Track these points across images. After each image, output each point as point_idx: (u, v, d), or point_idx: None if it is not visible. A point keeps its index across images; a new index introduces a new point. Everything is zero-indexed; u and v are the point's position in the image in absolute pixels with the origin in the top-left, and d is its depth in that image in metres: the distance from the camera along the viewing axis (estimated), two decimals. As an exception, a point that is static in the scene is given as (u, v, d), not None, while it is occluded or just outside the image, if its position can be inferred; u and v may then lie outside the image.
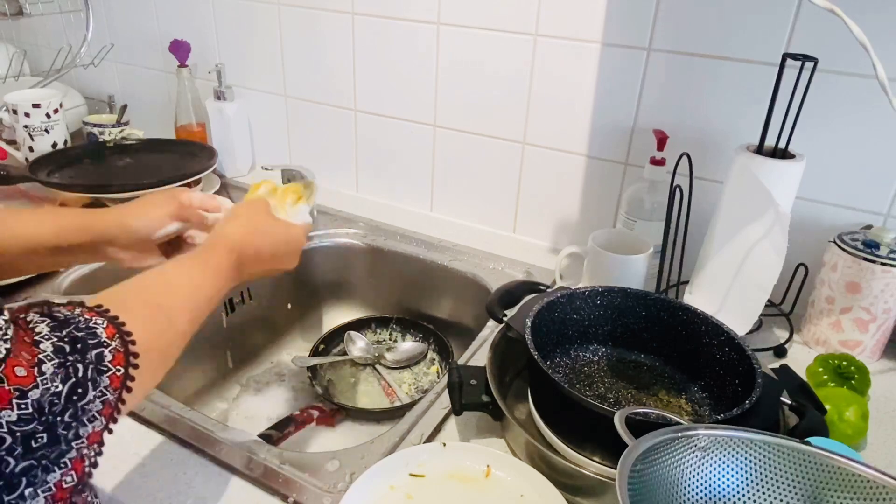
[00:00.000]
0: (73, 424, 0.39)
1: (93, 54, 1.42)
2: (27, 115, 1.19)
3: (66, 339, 0.40)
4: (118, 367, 0.42)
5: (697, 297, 0.84)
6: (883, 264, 0.77)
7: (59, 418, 0.38)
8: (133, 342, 0.44)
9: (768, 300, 0.78)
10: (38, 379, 0.37)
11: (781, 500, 0.49)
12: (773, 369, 0.69)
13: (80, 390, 0.39)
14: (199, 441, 0.66)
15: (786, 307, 0.88)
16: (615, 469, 0.43)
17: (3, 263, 0.60)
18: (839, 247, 0.80)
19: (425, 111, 1.11)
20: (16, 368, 0.36)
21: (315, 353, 0.98)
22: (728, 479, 0.50)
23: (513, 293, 0.81)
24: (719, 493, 0.50)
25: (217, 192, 1.22)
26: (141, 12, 1.37)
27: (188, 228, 0.71)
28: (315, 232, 1.11)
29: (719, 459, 0.50)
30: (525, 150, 1.06)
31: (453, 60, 1.05)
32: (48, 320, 0.40)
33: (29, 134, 1.21)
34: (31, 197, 1.12)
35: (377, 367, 1.00)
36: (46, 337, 0.39)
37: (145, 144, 1.29)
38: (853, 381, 0.73)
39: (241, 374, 1.02)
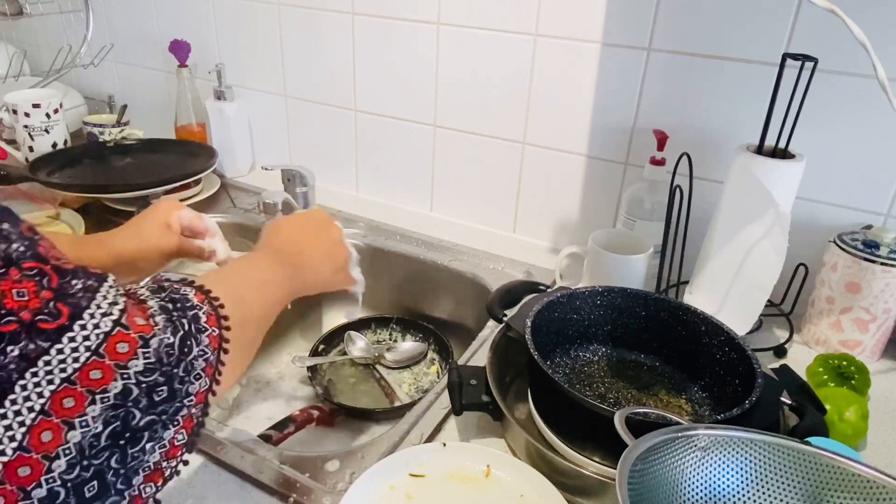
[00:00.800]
0: (186, 379, 0.41)
1: (93, 54, 1.42)
2: (27, 115, 1.19)
3: (166, 300, 0.43)
4: (213, 327, 0.44)
5: (697, 297, 0.84)
6: (883, 264, 0.77)
7: (174, 370, 0.40)
8: (222, 306, 0.46)
9: (768, 300, 0.78)
10: (155, 329, 0.39)
11: (781, 500, 0.49)
12: (773, 369, 0.69)
13: (188, 342, 0.42)
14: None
15: (786, 307, 0.88)
16: (615, 469, 0.43)
17: None
18: (839, 247, 0.80)
19: (425, 111, 1.11)
20: (135, 318, 0.39)
21: (315, 353, 0.98)
22: (728, 479, 0.50)
23: (513, 293, 0.81)
24: (719, 493, 0.50)
25: (217, 193, 1.22)
26: (141, 12, 1.37)
27: (184, 256, 0.74)
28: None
29: (719, 459, 0.50)
30: (525, 150, 1.06)
31: (453, 60, 1.05)
32: (143, 288, 0.43)
33: (29, 134, 1.21)
34: (31, 197, 1.13)
35: (377, 367, 1.00)
36: (149, 297, 0.42)
37: (145, 144, 1.29)
38: (853, 381, 0.73)
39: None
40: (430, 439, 0.68)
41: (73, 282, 0.36)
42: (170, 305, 0.42)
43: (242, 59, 1.28)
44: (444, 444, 0.63)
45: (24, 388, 0.33)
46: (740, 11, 0.82)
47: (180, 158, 1.23)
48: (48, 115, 1.21)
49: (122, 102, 1.43)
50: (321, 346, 1.00)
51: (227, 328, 0.46)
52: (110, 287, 0.38)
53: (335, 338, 1.04)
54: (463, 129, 1.10)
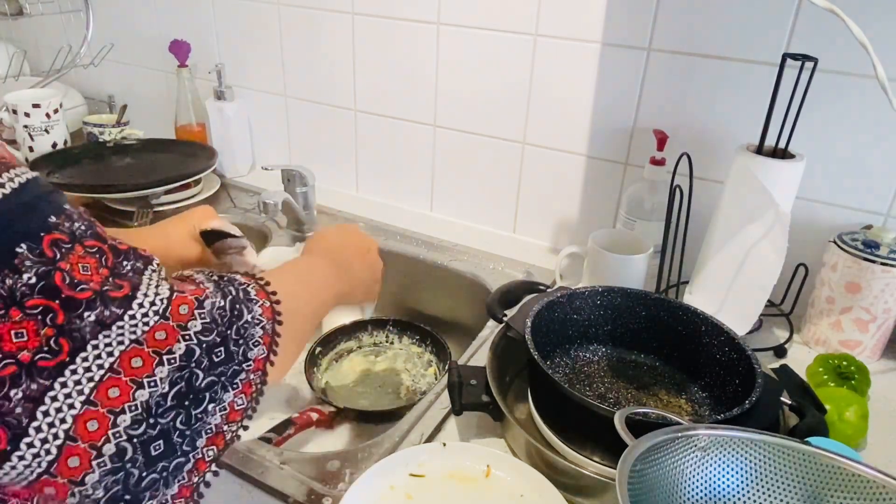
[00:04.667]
0: (241, 342, 0.43)
1: (93, 54, 1.42)
2: (27, 115, 1.19)
3: (212, 277, 0.45)
4: (264, 300, 0.46)
5: (697, 297, 0.84)
6: (883, 264, 0.77)
7: (228, 331, 0.42)
8: (268, 283, 0.48)
9: (768, 300, 0.78)
10: (207, 291, 0.41)
11: (781, 500, 0.49)
12: (773, 369, 0.69)
13: (237, 307, 0.43)
14: (199, 441, 0.66)
15: (786, 307, 0.88)
16: (615, 469, 0.43)
17: None
18: (839, 247, 0.80)
19: (425, 111, 1.11)
20: (187, 286, 0.41)
21: (311, 355, 0.98)
22: (728, 479, 0.50)
23: (513, 293, 0.81)
24: (719, 493, 0.50)
25: (217, 193, 1.22)
26: (141, 12, 1.37)
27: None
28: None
29: (719, 459, 0.50)
30: (525, 150, 1.06)
31: (453, 60, 1.05)
32: (190, 270, 0.46)
33: (29, 134, 1.21)
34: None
35: (375, 368, 1.00)
36: (194, 274, 0.44)
37: (145, 144, 1.29)
38: (853, 381, 0.73)
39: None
40: (430, 439, 0.68)
41: (125, 263, 0.38)
42: (216, 277, 0.45)
43: (242, 59, 1.28)
44: (444, 444, 0.63)
45: (95, 347, 0.35)
46: (740, 11, 0.82)
47: (180, 158, 1.23)
48: (48, 115, 1.21)
49: (122, 102, 1.43)
50: (318, 349, 1.00)
51: (278, 301, 0.47)
52: (153, 270, 0.40)
53: (334, 338, 1.04)
54: (463, 129, 1.09)
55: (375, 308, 1.11)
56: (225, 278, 0.45)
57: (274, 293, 0.47)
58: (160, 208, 1.14)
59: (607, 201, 1.02)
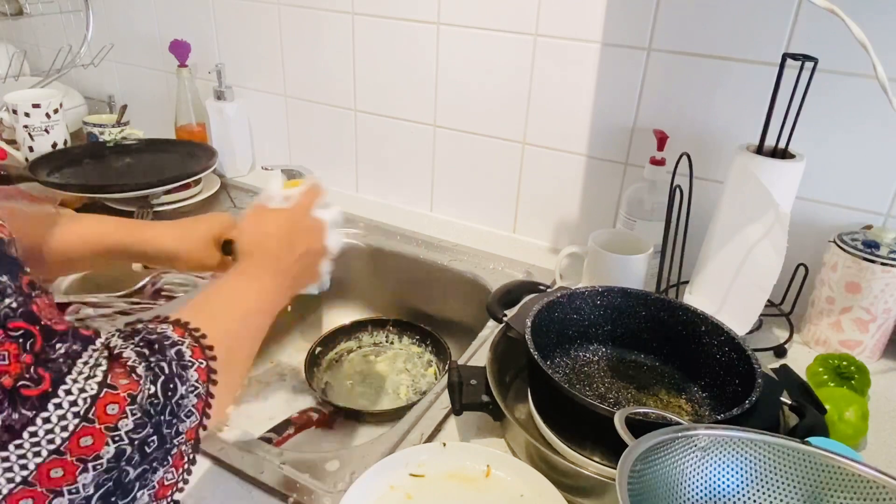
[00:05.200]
0: (174, 422, 0.40)
1: (93, 54, 1.42)
2: (27, 115, 1.19)
3: (141, 345, 0.41)
4: (199, 360, 0.43)
5: (697, 297, 0.84)
6: (883, 264, 0.77)
7: (161, 417, 0.39)
8: (204, 336, 0.45)
9: (768, 300, 0.78)
10: (140, 383, 0.38)
11: (781, 500, 0.49)
12: (773, 369, 0.69)
13: (171, 386, 0.40)
14: (199, 441, 0.66)
15: (786, 307, 0.88)
16: (615, 469, 0.43)
17: (65, 264, 0.64)
18: (839, 247, 0.80)
19: (425, 111, 1.11)
20: (119, 378, 0.37)
21: (311, 355, 0.98)
22: (728, 479, 0.50)
23: (513, 293, 0.81)
24: (719, 493, 0.50)
25: (217, 193, 1.22)
26: (141, 12, 1.37)
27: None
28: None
29: (719, 459, 0.50)
30: (525, 150, 1.06)
31: (453, 60, 1.05)
32: (117, 333, 0.41)
33: (29, 134, 1.21)
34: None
35: (375, 369, 1.00)
36: (124, 346, 0.40)
37: (145, 144, 1.29)
38: (853, 381, 0.73)
39: (241, 374, 1.02)
40: (430, 439, 0.68)
41: (58, 346, 0.35)
42: (146, 351, 0.40)
43: (242, 59, 1.28)
44: (444, 444, 0.63)
45: (5, 459, 0.31)
46: (740, 11, 0.82)
47: (180, 158, 1.23)
48: (48, 115, 1.21)
49: (122, 102, 1.43)
50: (318, 349, 1.00)
51: (214, 358, 0.44)
52: (94, 350, 0.37)
53: (334, 338, 1.04)
54: (463, 129, 1.09)
55: (375, 308, 1.11)
56: (156, 346, 0.41)
57: (210, 347, 0.44)
58: (160, 208, 1.14)
59: (607, 201, 1.02)
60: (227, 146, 1.29)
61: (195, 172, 1.14)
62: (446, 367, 0.87)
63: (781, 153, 0.76)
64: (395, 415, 0.86)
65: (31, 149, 1.22)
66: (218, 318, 0.50)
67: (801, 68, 0.70)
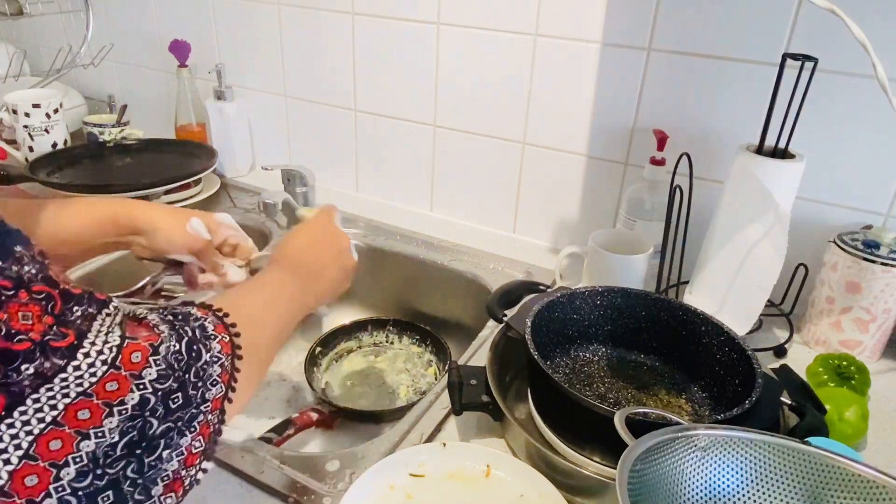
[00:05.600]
0: (199, 385, 0.41)
1: (93, 54, 1.42)
2: (27, 115, 1.19)
3: (166, 316, 0.43)
4: (222, 334, 0.45)
5: (697, 297, 0.84)
6: (883, 264, 0.77)
7: (186, 376, 0.40)
8: (227, 315, 0.46)
9: (768, 300, 0.78)
10: (161, 336, 0.40)
11: (781, 500, 0.49)
12: (773, 369, 0.69)
13: (195, 348, 0.42)
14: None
15: (786, 307, 0.88)
16: (615, 469, 0.43)
17: (64, 255, 0.64)
18: (839, 247, 0.80)
19: (425, 111, 1.11)
20: (140, 331, 0.39)
21: (311, 355, 0.98)
22: (728, 479, 0.50)
23: (513, 293, 0.81)
24: (719, 493, 0.50)
25: (217, 193, 1.22)
26: (141, 12, 1.37)
27: (196, 264, 0.73)
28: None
29: (719, 459, 0.50)
30: (525, 150, 1.06)
31: (453, 60, 1.05)
32: (143, 309, 0.43)
33: (29, 134, 1.21)
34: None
35: (375, 369, 1.00)
36: (148, 314, 0.42)
37: (145, 144, 1.29)
38: (853, 381, 0.73)
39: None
40: (430, 439, 0.68)
41: (75, 308, 0.36)
42: (170, 317, 0.42)
43: (242, 59, 1.28)
44: (444, 444, 0.63)
45: (36, 401, 0.33)
46: (740, 11, 0.82)
47: (180, 158, 1.23)
48: (48, 115, 1.21)
49: (122, 102, 1.43)
50: (318, 349, 1.00)
51: (237, 335, 0.46)
52: (107, 315, 0.38)
53: (334, 338, 1.04)
54: (463, 129, 1.09)
55: (375, 308, 1.11)
56: (180, 317, 0.43)
57: (233, 325, 0.46)
58: (160, 208, 1.14)
59: (607, 201, 1.02)
60: (227, 146, 1.29)
61: (195, 172, 1.14)
62: (446, 367, 0.87)
63: (781, 153, 0.76)
64: (394, 415, 0.86)
65: (31, 149, 1.22)
66: (241, 304, 0.51)
67: (801, 68, 0.70)
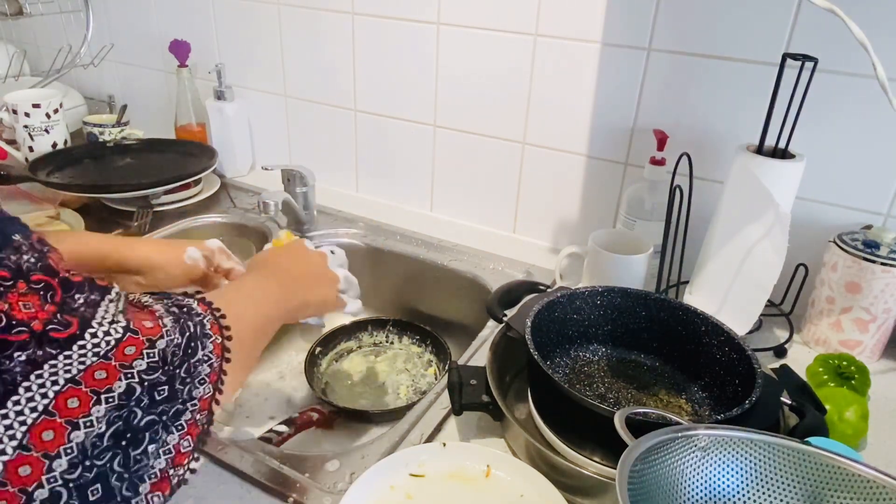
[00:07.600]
0: (188, 380, 0.41)
1: (93, 54, 1.42)
2: (27, 115, 1.19)
3: (171, 306, 0.43)
4: (217, 335, 0.45)
5: (697, 297, 0.84)
6: (883, 264, 0.77)
7: (177, 371, 0.40)
8: (224, 316, 0.47)
9: (768, 300, 0.78)
10: (164, 329, 0.40)
11: (781, 500, 0.49)
12: (773, 369, 0.69)
13: (193, 345, 0.42)
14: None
15: (786, 307, 0.88)
16: (615, 469, 0.43)
17: None
18: (839, 247, 0.80)
19: (425, 111, 1.11)
20: (144, 321, 0.40)
21: (311, 355, 0.98)
22: (728, 479, 0.50)
23: (513, 293, 0.81)
24: (719, 493, 0.50)
25: (217, 193, 1.22)
26: (141, 12, 1.37)
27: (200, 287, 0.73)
28: (316, 232, 1.11)
29: (719, 459, 0.50)
30: (525, 150, 1.06)
31: (453, 60, 1.05)
32: (148, 297, 0.44)
33: (29, 134, 1.21)
34: (31, 197, 1.13)
35: (375, 369, 1.00)
36: (154, 303, 0.43)
37: (145, 144, 1.29)
38: (853, 381, 0.73)
39: (241, 374, 1.02)
40: (430, 439, 0.68)
41: (77, 296, 0.37)
42: (175, 310, 0.43)
43: (242, 59, 1.28)
44: (444, 444, 0.63)
45: (27, 389, 0.33)
46: (740, 11, 0.82)
47: (180, 158, 1.23)
48: (48, 115, 1.21)
49: (122, 102, 1.43)
50: (318, 349, 1.00)
51: (229, 338, 0.46)
52: (111, 301, 0.39)
53: (334, 338, 1.04)
54: (463, 129, 1.10)
55: (375, 308, 1.11)
56: (185, 310, 0.44)
57: (227, 328, 0.47)
58: (160, 208, 1.14)
59: (607, 201, 1.02)
60: (227, 146, 1.29)
61: (195, 172, 1.14)
62: (446, 367, 0.87)
63: (781, 153, 0.76)
64: (394, 415, 0.86)
65: (31, 149, 1.22)
66: (233, 304, 0.52)
67: (801, 68, 0.70)
